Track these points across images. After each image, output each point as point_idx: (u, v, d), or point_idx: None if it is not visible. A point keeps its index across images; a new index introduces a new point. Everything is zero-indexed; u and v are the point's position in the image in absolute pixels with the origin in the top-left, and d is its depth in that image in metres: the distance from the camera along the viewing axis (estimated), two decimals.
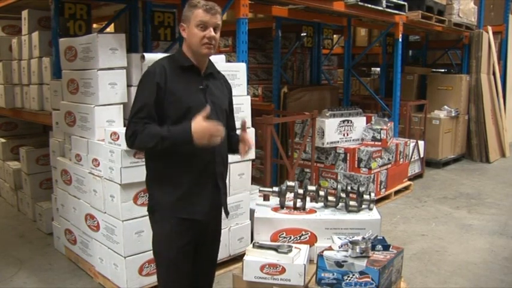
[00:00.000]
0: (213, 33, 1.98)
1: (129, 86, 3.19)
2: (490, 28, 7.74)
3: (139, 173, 2.80)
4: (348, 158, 4.99)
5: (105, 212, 3.04)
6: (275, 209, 2.35)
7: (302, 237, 2.30)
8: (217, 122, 1.92)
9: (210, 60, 2.12)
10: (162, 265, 2.11)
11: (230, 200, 3.34)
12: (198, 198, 2.04)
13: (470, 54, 7.63)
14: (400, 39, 5.89)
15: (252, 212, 3.24)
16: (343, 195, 2.42)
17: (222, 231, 3.25)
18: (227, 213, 2.23)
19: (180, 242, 2.04)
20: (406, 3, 5.52)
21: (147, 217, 2.16)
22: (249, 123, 3.45)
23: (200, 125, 1.87)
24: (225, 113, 2.14)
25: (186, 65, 2.03)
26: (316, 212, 2.39)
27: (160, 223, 2.06)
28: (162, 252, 2.07)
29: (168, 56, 2.12)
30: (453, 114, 7.12)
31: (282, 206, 2.43)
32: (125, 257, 2.90)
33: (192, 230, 2.07)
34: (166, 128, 1.92)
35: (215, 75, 2.15)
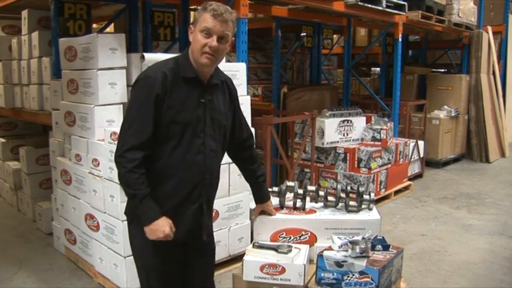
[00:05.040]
0: (215, 43, 1.79)
1: (129, 86, 3.19)
2: (489, 28, 7.73)
3: None
4: (348, 158, 4.99)
5: (105, 212, 3.04)
6: (275, 209, 2.35)
7: (302, 237, 2.30)
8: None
9: (217, 67, 1.96)
10: (147, 275, 2.00)
11: (230, 199, 3.36)
12: (178, 220, 1.90)
13: (470, 54, 7.62)
14: (400, 39, 5.89)
15: (251, 211, 3.24)
16: (343, 195, 2.41)
17: (222, 231, 3.29)
18: (205, 237, 2.05)
19: (164, 254, 1.94)
20: (406, 3, 5.51)
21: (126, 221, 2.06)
22: (249, 123, 3.45)
23: (163, 230, 1.83)
24: (223, 129, 1.99)
25: (190, 76, 1.87)
26: (316, 212, 2.39)
27: (143, 234, 1.89)
28: (148, 262, 1.97)
29: (171, 59, 1.93)
30: (453, 114, 7.12)
31: (282, 206, 2.43)
32: (124, 257, 2.90)
33: (174, 246, 1.95)
34: (145, 192, 1.82)
35: (219, 85, 1.98)
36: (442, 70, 8.75)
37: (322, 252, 2.09)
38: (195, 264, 2.10)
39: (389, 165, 5.26)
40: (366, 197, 2.41)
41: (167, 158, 1.87)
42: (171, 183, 1.89)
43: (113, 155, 2.83)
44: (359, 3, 4.75)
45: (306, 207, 2.42)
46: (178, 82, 1.85)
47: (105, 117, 3.12)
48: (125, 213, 2.04)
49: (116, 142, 2.85)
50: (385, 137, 5.11)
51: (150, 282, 2.01)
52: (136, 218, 1.93)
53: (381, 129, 5.13)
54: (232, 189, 3.34)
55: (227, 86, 2.05)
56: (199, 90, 1.90)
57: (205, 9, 1.81)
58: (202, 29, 1.80)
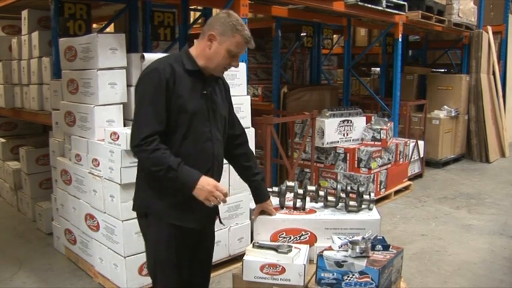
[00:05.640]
0: (237, 64, 1.98)
1: (129, 86, 3.19)
2: (489, 28, 7.74)
3: None
4: (348, 158, 4.99)
5: (105, 212, 3.04)
6: (275, 209, 2.35)
7: (302, 237, 2.30)
8: (221, 186, 1.92)
9: None
10: (160, 269, 2.05)
11: (230, 199, 3.35)
12: (193, 207, 1.96)
13: (470, 54, 7.62)
14: (400, 39, 5.89)
15: (251, 211, 3.24)
16: (343, 195, 2.41)
17: (222, 231, 3.29)
18: (220, 221, 2.23)
19: (178, 245, 2.01)
20: (406, 3, 5.52)
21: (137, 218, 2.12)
22: (248, 123, 3.45)
23: (209, 183, 1.88)
24: (224, 120, 2.10)
25: (192, 69, 1.95)
26: (316, 212, 2.38)
27: (155, 226, 2.00)
28: (161, 256, 2.01)
29: (172, 55, 2.06)
30: (453, 114, 7.13)
31: (282, 206, 2.42)
32: (124, 257, 2.90)
33: (188, 235, 2.03)
34: (178, 160, 1.85)
35: (215, 78, 2.09)
36: (442, 70, 8.75)
37: (322, 252, 2.09)
38: (200, 249, 2.18)
39: (389, 165, 5.26)
40: (366, 197, 2.41)
41: (178, 147, 1.92)
42: None
43: (113, 154, 2.86)
44: (359, 3, 4.76)
45: (306, 207, 2.42)
46: (183, 74, 1.93)
47: (105, 117, 3.12)
48: (134, 209, 2.08)
49: (116, 142, 2.88)
50: (385, 137, 5.11)
51: (163, 276, 2.05)
52: (149, 209, 1.98)
53: (381, 129, 5.14)
54: (232, 189, 3.34)
55: (222, 82, 2.16)
56: (201, 83, 1.99)
57: (239, 31, 1.91)
58: (232, 50, 1.92)
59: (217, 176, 2.08)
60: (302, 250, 2.19)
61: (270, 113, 5.02)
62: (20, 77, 4.58)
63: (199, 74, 1.98)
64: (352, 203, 2.40)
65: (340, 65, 7.74)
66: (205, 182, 1.87)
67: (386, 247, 2.15)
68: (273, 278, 2.11)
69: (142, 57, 3.02)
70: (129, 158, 2.83)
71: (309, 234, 2.30)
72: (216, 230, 2.33)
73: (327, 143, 5.00)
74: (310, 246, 2.27)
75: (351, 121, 5.15)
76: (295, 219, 2.32)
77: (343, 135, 5.11)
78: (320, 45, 6.70)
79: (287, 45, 6.59)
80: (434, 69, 8.44)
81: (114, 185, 2.89)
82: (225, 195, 1.91)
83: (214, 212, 2.13)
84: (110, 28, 5.20)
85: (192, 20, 5.21)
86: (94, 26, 5.36)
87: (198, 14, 5.62)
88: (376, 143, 5.13)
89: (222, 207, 3.30)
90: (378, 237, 2.19)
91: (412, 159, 6.05)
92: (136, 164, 2.79)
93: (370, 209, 2.41)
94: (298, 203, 2.43)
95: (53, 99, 3.76)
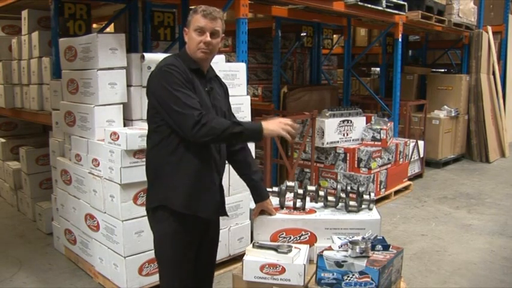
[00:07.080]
0: (208, 39, 2.00)
1: (129, 86, 3.20)
2: (489, 28, 7.74)
3: (139, 173, 2.80)
4: (348, 158, 4.99)
5: (105, 212, 3.04)
6: (275, 209, 2.35)
7: (302, 237, 2.30)
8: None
9: (210, 65, 2.17)
10: (166, 264, 2.09)
11: (230, 200, 3.35)
12: (204, 197, 2.06)
13: (470, 54, 7.63)
14: (400, 39, 5.90)
15: (251, 211, 3.24)
16: (343, 195, 2.41)
17: (222, 231, 3.28)
18: (226, 213, 2.27)
19: (185, 240, 2.05)
20: (406, 3, 5.52)
21: (147, 217, 2.17)
22: None
23: (272, 120, 2.02)
24: (224, 116, 2.17)
25: (193, 67, 2.04)
26: (316, 212, 2.38)
27: (164, 222, 2.04)
28: (167, 251, 2.06)
29: (173, 55, 2.13)
30: (453, 114, 7.13)
31: (282, 206, 2.42)
32: (124, 257, 2.90)
33: (196, 228, 2.09)
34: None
35: (213, 77, 2.19)
36: (442, 70, 8.75)
37: (322, 252, 2.09)
38: (205, 247, 2.22)
39: (389, 165, 5.26)
40: (366, 197, 2.41)
41: (184, 139, 1.99)
42: (195, 162, 2.01)
43: (113, 154, 2.86)
44: (359, 3, 4.76)
45: (306, 207, 2.42)
46: (187, 71, 2.02)
47: (105, 117, 3.12)
48: (146, 206, 2.14)
49: (116, 142, 2.87)
50: (385, 137, 5.11)
51: (168, 271, 2.09)
52: (163, 201, 2.02)
53: (381, 129, 5.14)
54: (232, 189, 3.35)
55: (219, 81, 2.25)
56: (202, 81, 2.09)
57: (196, 11, 2.02)
58: (196, 28, 2.00)
59: (220, 169, 2.16)
60: (302, 250, 2.19)
61: (270, 113, 5.02)
62: (20, 77, 4.58)
63: (200, 72, 2.08)
64: (352, 203, 2.40)
65: (340, 65, 7.74)
66: (269, 121, 2.01)
67: (386, 247, 2.15)
68: (273, 278, 2.11)
69: (142, 57, 3.02)
70: (128, 158, 2.83)
71: (309, 234, 2.30)
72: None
73: (327, 143, 5.00)
74: (310, 246, 2.27)
75: (351, 121, 5.15)
76: (295, 219, 2.32)
77: (343, 135, 5.11)
78: (320, 45, 6.70)
79: (287, 45, 6.58)
80: (434, 69, 8.44)
81: (114, 185, 2.89)
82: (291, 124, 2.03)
83: (221, 203, 2.19)
84: (110, 28, 5.19)
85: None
86: (94, 26, 5.36)
87: None
88: (376, 143, 5.14)
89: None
90: (378, 237, 2.19)
91: (412, 159, 6.05)
92: (136, 164, 2.82)
93: (370, 209, 2.41)
94: (298, 203, 2.43)
95: (53, 99, 3.76)
